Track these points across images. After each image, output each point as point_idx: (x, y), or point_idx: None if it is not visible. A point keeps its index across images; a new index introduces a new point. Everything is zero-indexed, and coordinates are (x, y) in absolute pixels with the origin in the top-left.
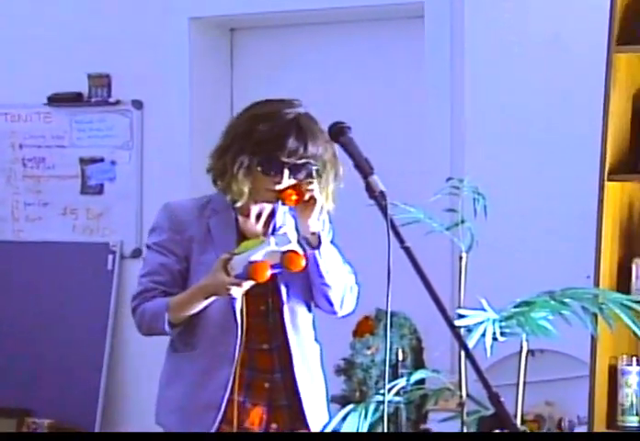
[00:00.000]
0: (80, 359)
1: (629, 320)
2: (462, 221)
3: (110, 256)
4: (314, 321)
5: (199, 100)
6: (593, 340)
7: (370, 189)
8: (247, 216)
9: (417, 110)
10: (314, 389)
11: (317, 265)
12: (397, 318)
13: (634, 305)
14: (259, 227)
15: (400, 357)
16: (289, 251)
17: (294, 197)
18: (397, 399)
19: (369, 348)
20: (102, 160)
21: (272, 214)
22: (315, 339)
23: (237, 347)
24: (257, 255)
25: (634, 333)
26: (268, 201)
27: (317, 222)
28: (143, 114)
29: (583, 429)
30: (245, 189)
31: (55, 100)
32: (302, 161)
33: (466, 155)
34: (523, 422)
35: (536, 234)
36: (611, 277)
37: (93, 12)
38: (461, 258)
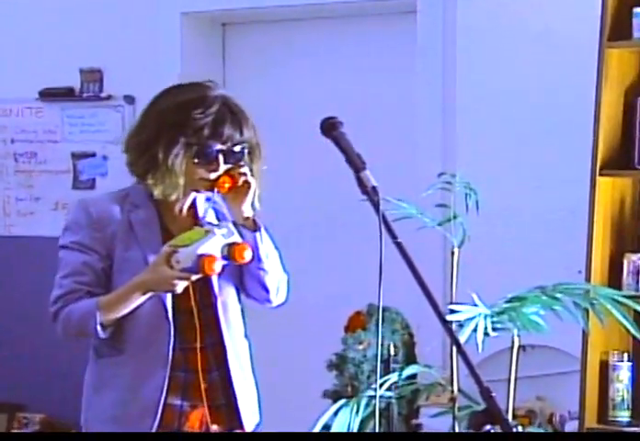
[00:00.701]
0: (71, 354)
1: (620, 315)
2: (455, 217)
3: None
4: (243, 315)
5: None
6: (584, 335)
7: (362, 184)
8: (170, 209)
9: (409, 105)
10: (248, 387)
11: (257, 249)
12: (389, 313)
13: (625, 300)
14: (183, 219)
15: (392, 352)
16: (234, 243)
17: (227, 185)
18: (389, 394)
19: (361, 343)
20: (94, 155)
21: (192, 205)
22: (245, 335)
23: (170, 347)
24: (206, 248)
25: (626, 329)
26: (204, 190)
27: (250, 207)
28: (135, 109)
29: (574, 424)
30: (181, 182)
31: (47, 95)
32: (237, 146)
33: (458, 150)
34: (514, 417)
35: (528, 230)
36: (603, 272)
37: (85, 6)
38: (453, 253)
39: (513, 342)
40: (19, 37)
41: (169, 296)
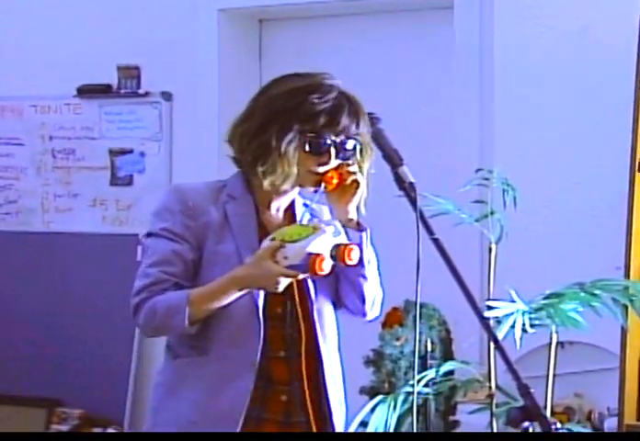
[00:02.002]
0: (110, 349)
1: None
2: (492, 213)
3: (140, 248)
4: (338, 326)
5: (227, 92)
6: (623, 332)
7: (399, 180)
8: (267, 206)
9: (446, 101)
10: (340, 404)
11: (361, 252)
12: (426, 309)
13: None
14: (280, 220)
15: (429, 349)
16: (342, 243)
17: (335, 181)
18: (426, 390)
19: (398, 339)
20: (131, 151)
21: (290, 207)
22: (338, 348)
23: (259, 352)
24: (316, 245)
25: None
26: (310, 185)
27: (355, 209)
28: (173, 105)
29: (613, 421)
30: (295, 170)
31: (85, 91)
32: (350, 140)
33: (495, 146)
34: (553, 413)
35: (566, 226)
36: None
37: (122, 3)
38: (490, 249)
39: (551, 338)
40: (58, 34)
41: (262, 295)
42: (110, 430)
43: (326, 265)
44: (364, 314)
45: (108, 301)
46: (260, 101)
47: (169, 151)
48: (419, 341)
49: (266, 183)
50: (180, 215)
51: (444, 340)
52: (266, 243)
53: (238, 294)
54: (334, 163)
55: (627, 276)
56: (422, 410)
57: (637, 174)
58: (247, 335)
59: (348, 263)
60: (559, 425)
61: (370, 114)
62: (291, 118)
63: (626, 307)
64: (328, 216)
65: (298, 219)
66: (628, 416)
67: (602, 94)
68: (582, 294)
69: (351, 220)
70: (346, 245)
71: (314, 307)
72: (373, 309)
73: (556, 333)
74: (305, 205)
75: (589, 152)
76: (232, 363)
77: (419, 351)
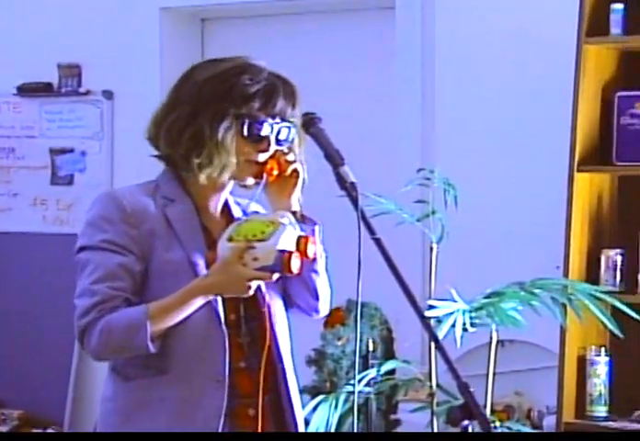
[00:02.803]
0: (51, 350)
1: (597, 310)
2: (433, 212)
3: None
4: (290, 329)
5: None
6: (562, 330)
7: (340, 180)
8: (205, 206)
9: (388, 101)
10: (301, 413)
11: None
12: (368, 309)
13: (603, 296)
14: (218, 219)
15: (370, 348)
16: (301, 236)
17: (276, 172)
18: (368, 389)
19: (339, 339)
20: (72, 150)
21: (225, 204)
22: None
23: (227, 365)
24: (284, 242)
25: (603, 324)
26: (250, 176)
27: (297, 200)
28: (114, 104)
29: (552, 419)
30: (233, 160)
31: (25, 90)
32: (287, 124)
33: (437, 146)
34: (493, 412)
35: (506, 225)
36: (580, 268)
37: (64, 1)
38: (431, 249)
39: (491, 337)
40: None
41: (220, 301)
42: (50, 430)
43: (298, 263)
44: (317, 311)
45: (49, 301)
46: (185, 88)
47: (110, 150)
48: (361, 340)
49: (202, 177)
50: (121, 224)
51: (386, 339)
52: (226, 245)
53: (199, 304)
54: (273, 148)
55: (566, 275)
56: (363, 409)
57: (576, 174)
58: (210, 348)
59: (310, 256)
60: (498, 424)
61: (310, 114)
62: (223, 103)
63: (565, 306)
64: (257, 208)
65: (236, 216)
66: (566, 414)
67: (542, 93)
68: (522, 293)
69: (295, 212)
70: (305, 238)
71: (271, 310)
72: (326, 304)
73: (496, 331)
74: (237, 203)
75: (529, 151)
76: (196, 380)
77: (361, 350)
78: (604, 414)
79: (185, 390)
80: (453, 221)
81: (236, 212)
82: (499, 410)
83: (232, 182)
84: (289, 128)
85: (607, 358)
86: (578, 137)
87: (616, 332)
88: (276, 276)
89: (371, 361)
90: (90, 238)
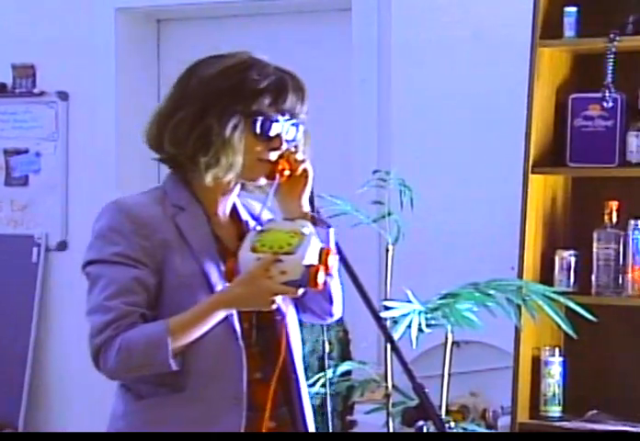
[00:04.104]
0: (4, 354)
1: (551, 311)
2: (389, 214)
3: (35, 249)
4: (302, 338)
5: (125, 91)
6: (517, 331)
7: None
8: (214, 212)
9: (344, 102)
10: (312, 422)
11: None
12: None
13: (557, 296)
14: (227, 224)
15: (327, 349)
16: (322, 249)
17: (287, 172)
18: (324, 390)
19: None
20: (27, 151)
21: (233, 208)
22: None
23: (244, 381)
24: (310, 256)
25: (557, 324)
26: (261, 176)
27: (307, 202)
28: (69, 105)
29: (507, 419)
30: (240, 160)
31: None
32: (295, 121)
33: (393, 148)
34: (448, 412)
35: (461, 226)
36: (535, 268)
37: (18, 1)
38: (387, 250)
39: (447, 338)
40: None
41: (235, 315)
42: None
43: (323, 277)
44: (331, 315)
45: (3, 303)
46: (190, 86)
47: (65, 151)
48: (317, 341)
49: (208, 177)
50: (133, 236)
51: (342, 340)
52: (250, 255)
53: (221, 317)
54: (284, 147)
55: (520, 276)
56: (320, 410)
57: (530, 175)
58: (227, 363)
59: (330, 269)
60: (453, 425)
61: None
62: (232, 99)
63: (519, 306)
64: (268, 214)
65: (244, 219)
66: (521, 414)
67: (497, 95)
68: (477, 294)
69: (306, 214)
70: (327, 250)
71: (286, 319)
72: (340, 307)
73: (452, 332)
74: (243, 204)
75: (484, 153)
76: (213, 398)
77: (317, 351)
78: (558, 414)
79: (202, 409)
80: (409, 223)
81: (244, 215)
82: (454, 410)
83: (239, 185)
84: (297, 125)
85: (561, 359)
86: (533, 139)
87: (570, 332)
88: (301, 291)
89: (327, 362)
90: (100, 251)
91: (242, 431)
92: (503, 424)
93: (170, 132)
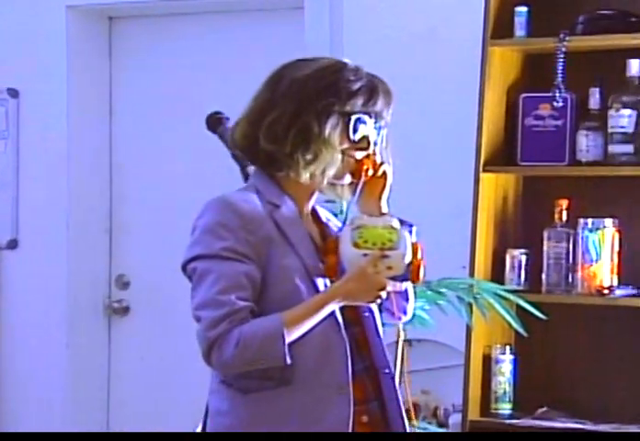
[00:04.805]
0: None
1: (502, 309)
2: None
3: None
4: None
5: (76, 89)
6: (468, 329)
7: (247, 179)
8: (302, 209)
9: None
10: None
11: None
12: None
13: (508, 294)
14: (311, 224)
15: None
16: (413, 243)
17: (370, 172)
18: None
19: None
20: None
21: (313, 209)
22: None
23: (349, 372)
24: (409, 251)
25: (508, 323)
26: (348, 175)
27: (386, 202)
28: (19, 103)
29: (458, 417)
30: (338, 157)
31: None
32: (382, 124)
33: None
34: None
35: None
36: (486, 267)
37: None
38: None
39: (399, 336)
40: None
41: (337, 309)
42: None
43: (423, 271)
44: (406, 313)
45: None
46: (281, 87)
47: (16, 148)
48: None
49: (306, 175)
50: (240, 231)
51: None
52: (355, 251)
53: (331, 311)
54: (371, 149)
55: (472, 274)
56: None
57: (481, 174)
58: (332, 354)
59: (423, 263)
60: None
61: (218, 113)
62: (329, 99)
63: (471, 305)
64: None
65: (324, 219)
66: (472, 412)
67: (448, 94)
68: (429, 292)
69: (384, 214)
70: (416, 245)
71: (373, 311)
72: (412, 307)
73: (404, 330)
74: (322, 206)
75: (435, 152)
76: (320, 390)
77: None
78: (508, 412)
79: (309, 401)
80: None
81: (324, 216)
82: (406, 408)
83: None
84: (381, 128)
85: (512, 357)
86: (484, 138)
87: (520, 330)
88: (405, 285)
89: None
90: (209, 246)
91: (350, 422)
92: (454, 421)
93: (266, 130)
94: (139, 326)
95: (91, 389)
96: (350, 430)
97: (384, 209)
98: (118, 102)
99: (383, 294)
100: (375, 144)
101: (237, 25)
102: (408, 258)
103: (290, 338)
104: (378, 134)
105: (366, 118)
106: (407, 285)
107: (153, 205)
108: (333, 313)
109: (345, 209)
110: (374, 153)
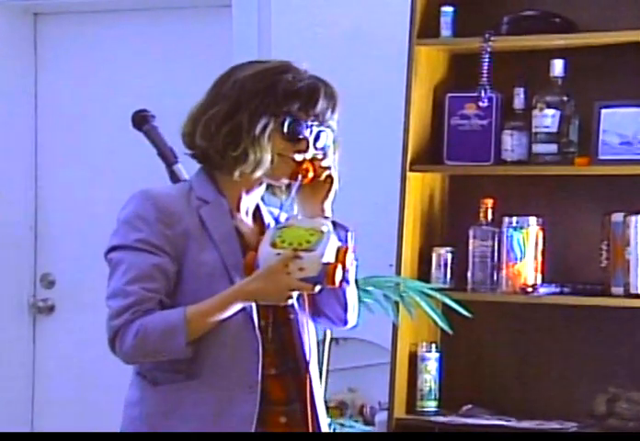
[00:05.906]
0: None
1: (428, 307)
2: None
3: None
4: (317, 337)
5: (0, 85)
6: (394, 327)
7: (174, 178)
8: (237, 209)
9: None
10: (325, 421)
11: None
12: None
13: (433, 293)
14: (250, 223)
15: None
16: (339, 246)
17: (311, 175)
18: None
19: None
20: None
21: (256, 208)
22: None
23: (259, 371)
24: (329, 253)
25: (434, 321)
26: (284, 176)
27: (330, 206)
28: None
29: (384, 415)
30: (268, 157)
31: None
32: (324, 128)
33: None
34: (326, 409)
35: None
36: (412, 265)
37: None
38: None
39: (325, 334)
40: None
41: (254, 307)
42: None
43: (340, 275)
44: (345, 323)
45: None
46: (226, 86)
47: None
48: None
49: (236, 173)
50: (157, 224)
51: None
52: (270, 250)
53: (238, 309)
54: (311, 152)
55: (398, 273)
56: None
57: (408, 173)
58: (243, 353)
59: (348, 268)
60: (329, 420)
61: (144, 111)
62: (265, 99)
63: (397, 303)
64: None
65: (266, 222)
66: (398, 410)
67: (375, 93)
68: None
69: (327, 218)
70: (345, 248)
71: (299, 317)
72: (354, 315)
73: (330, 329)
74: (269, 211)
75: (362, 150)
76: (228, 386)
77: None
78: (434, 409)
79: (217, 396)
80: None
81: (267, 218)
82: (332, 406)
83: (263, 186)
84: (322, 131)
85: (437, 354)
86: (410, 137)
87: (446, 328)
88: (318, 287)
89: None
90: (124, 237)
91: (255, 421)
92: (380, 419)
93: (202, 127)
94: (64, 325)
95: (15, 388)
96: (262, 429)
97: (327, 213)
98: (43, 99)
99: (294, 295)
100: (322, 148)
101: (164, 22)
102: (328, 259)
103: (193, 332)
104: (318, 137)
105: (303, 120)
106: (337, 290)
107: (78, 203)
108: (248, 312)
109: (279, 210)
110: (319, 158)
